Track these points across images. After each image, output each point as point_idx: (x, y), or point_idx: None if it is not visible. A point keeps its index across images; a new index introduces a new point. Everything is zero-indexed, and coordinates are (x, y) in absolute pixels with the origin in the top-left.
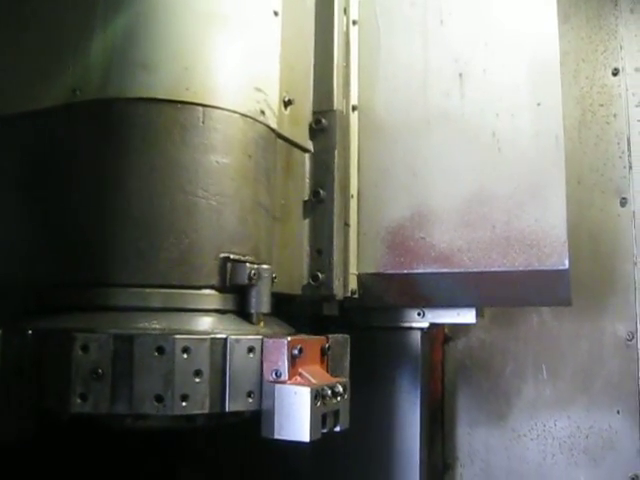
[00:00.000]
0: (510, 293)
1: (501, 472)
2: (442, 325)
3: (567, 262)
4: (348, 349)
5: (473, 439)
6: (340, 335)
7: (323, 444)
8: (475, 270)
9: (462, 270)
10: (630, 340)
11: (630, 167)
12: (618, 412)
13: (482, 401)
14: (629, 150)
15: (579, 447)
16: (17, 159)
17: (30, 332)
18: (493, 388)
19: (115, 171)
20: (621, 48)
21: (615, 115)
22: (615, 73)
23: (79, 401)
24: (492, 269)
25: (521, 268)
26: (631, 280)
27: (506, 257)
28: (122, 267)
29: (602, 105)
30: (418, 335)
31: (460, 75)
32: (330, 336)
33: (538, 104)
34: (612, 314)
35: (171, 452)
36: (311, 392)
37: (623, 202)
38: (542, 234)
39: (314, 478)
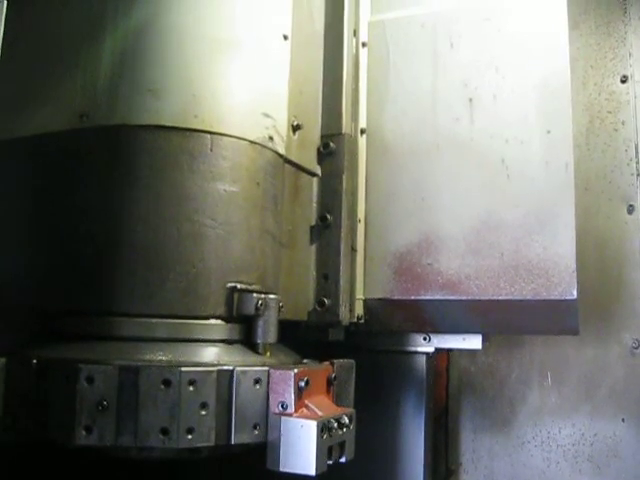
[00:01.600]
0: (517, 321)
1: (505, 479)
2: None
3: (575, 292)
4: (353, 375)
5: (477, 445)
6: (346, 360)
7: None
8: (482, 298)
9: (469, 298)
10: (636, 348)
11: (638, 174)
12: (623, 420)
13: (486, 407)
14: (637, 157)
15: (583, 455)
16: (23, 185)
17: (34, 362)
18: (497, 394)
19: (121, 199)
20: (630, 55)
21: (623, 122)
22: (624, 80)
23: (84, 433)
24: (500, 297)
25: (529, 297)
26: (637, 288)
27: (514, 286)
28: (128, 297)
29: (610, 112)
30: (423, 359)
31: (470, 100)
32: (335, 362)
33: (548, 132)
34: (618, 322)
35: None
36: (317, 425)
37: (630, 209)
38: (551, 263)
39: None
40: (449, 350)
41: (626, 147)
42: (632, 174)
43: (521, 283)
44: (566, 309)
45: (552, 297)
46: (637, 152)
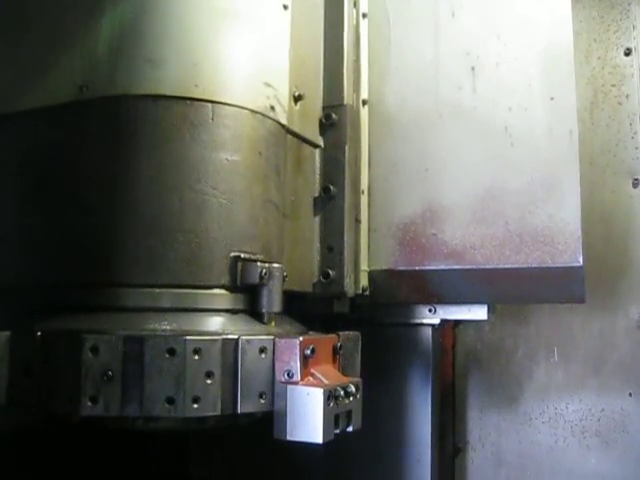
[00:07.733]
0: (523, 290)
1: (512, 456)
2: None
3: (581, 259)
4: (359, 347)
5: (484, 423)
6: (351, 332)
7: (334, 441)
8: (487, 267)
9: (474, 267)
10: None
11: None
12: (630, 395)
13: (493, 385)
14: None
15: (591, 430)
16: (24, 158)
17: (39, 333)
18: (504, 371)
19: (123, 169)
20: (634, 28)
21: (627, 96)
22: (627, 53)
23: (89, 404)
24: (505, 266)
25: (534, 265)
26: None
27: (519, 254)
28: (131, 267)
29: (614, 85)
30: (429, 331)
31: (472, 69)
32: (341, 334)
33: (552, 98)
34: (624, 297)
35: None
36: (324, 393)
37: (635, 183)
38: (556, 230)
39: (325, 472)
40: (455, 322)
41: (630, 121)
42: (636, 148)
43: (526, 251)
44: (572, 276)
45: (558, 264)
46: None
